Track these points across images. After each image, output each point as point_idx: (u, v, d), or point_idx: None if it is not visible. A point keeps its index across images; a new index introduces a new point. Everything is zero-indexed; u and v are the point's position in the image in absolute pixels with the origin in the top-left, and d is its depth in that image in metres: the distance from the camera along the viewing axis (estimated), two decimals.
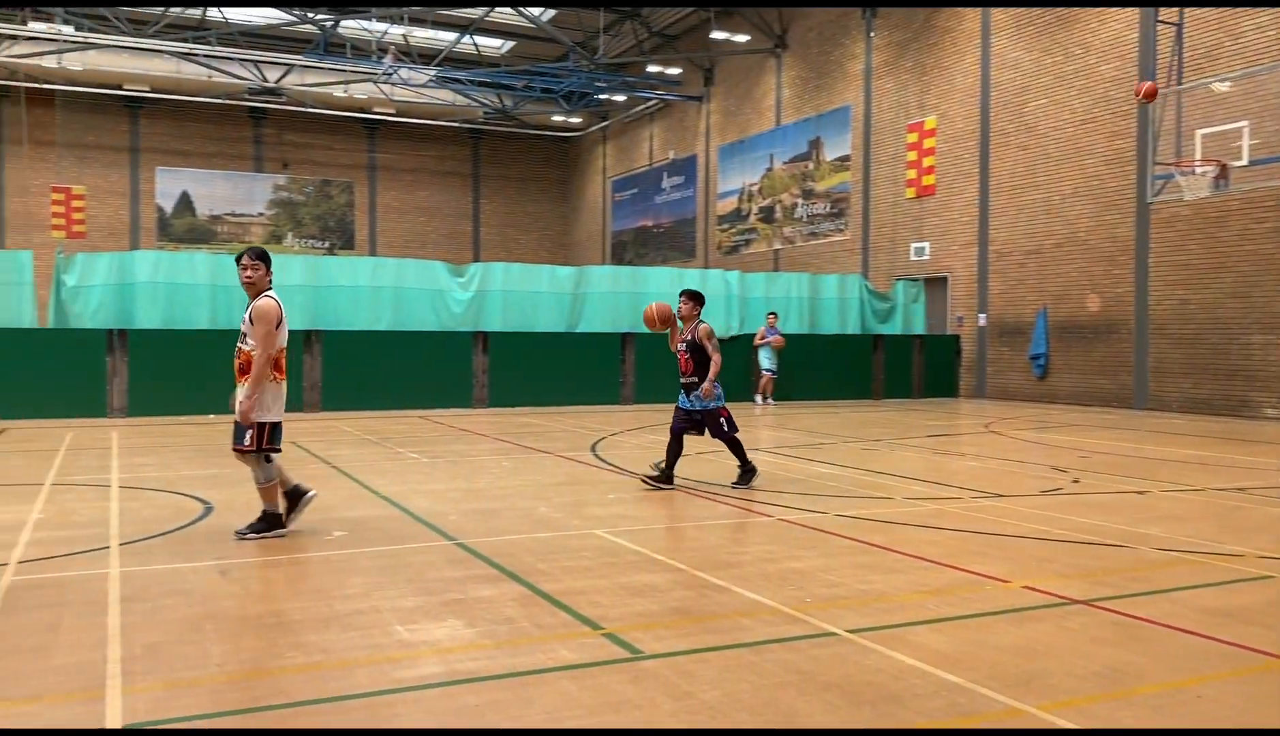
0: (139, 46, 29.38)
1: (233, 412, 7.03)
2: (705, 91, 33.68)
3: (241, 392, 7.01)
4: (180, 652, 4.48)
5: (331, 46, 31.42)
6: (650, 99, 35.46)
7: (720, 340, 21.29)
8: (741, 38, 30.15)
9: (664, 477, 9.21)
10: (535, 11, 30.22)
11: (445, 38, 32.05)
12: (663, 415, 17.32)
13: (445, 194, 41.63)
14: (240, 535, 6.92)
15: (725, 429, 9.46)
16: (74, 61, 29.98)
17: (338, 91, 33.57)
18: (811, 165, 28.72)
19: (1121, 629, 4.96)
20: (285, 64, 31.74)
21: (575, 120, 39.88)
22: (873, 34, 26.21)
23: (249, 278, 7.19)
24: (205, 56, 30.53)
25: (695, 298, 9.66)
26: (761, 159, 30.91)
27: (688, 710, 3.84)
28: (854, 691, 4.04)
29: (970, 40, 23.22)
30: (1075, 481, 10.02)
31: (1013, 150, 22.15)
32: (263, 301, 7.12)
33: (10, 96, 34.30)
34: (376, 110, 36.64)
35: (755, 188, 31.28)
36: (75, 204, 34.79)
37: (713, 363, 9.36)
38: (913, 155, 24.79)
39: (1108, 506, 8.52)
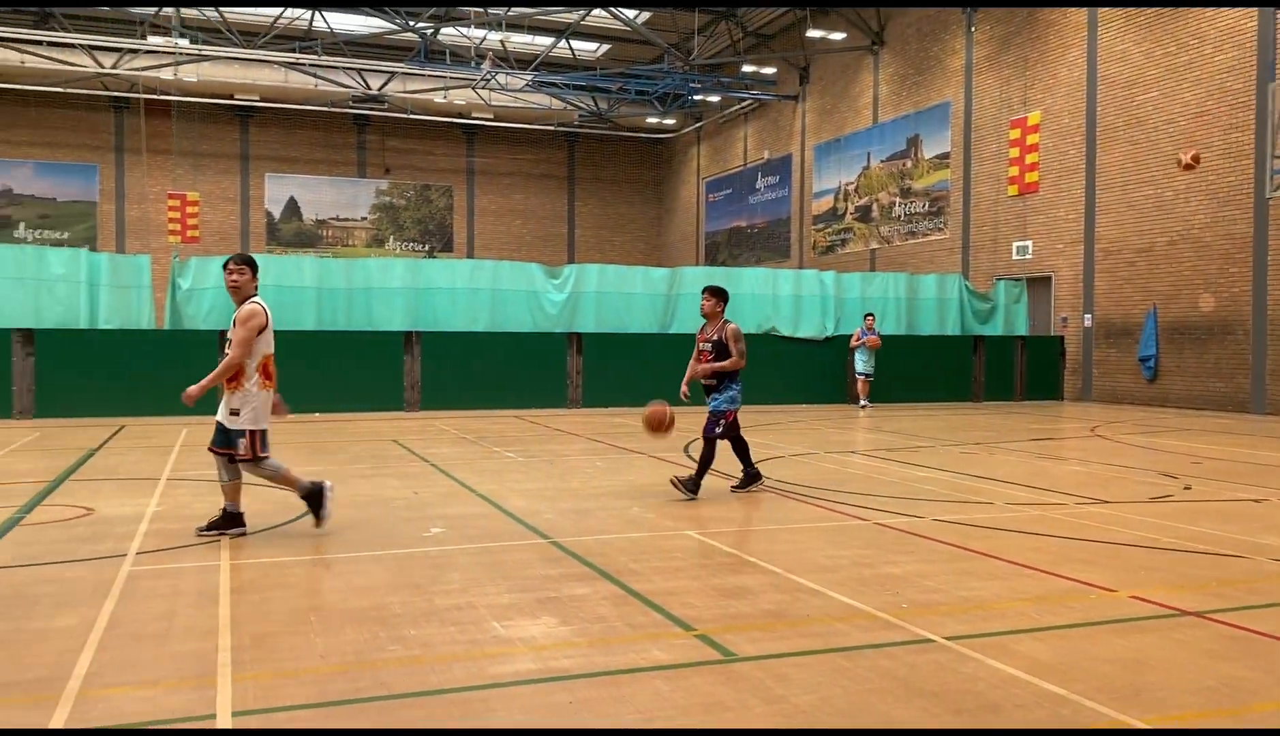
0: (249, 57, 30.48)
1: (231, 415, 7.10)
2: (800, 90, 33.39)
3: (224, 397, 7.15)
4: (286, 643, 4.64)
5: (432, 53, 32.10)
6: (745, 99, 35.32)
7: (814, 341, 21.31)
8: (838, 35, 29.81)
9: (691, 485, 8.76)
10: (630, 14, 30.37)
11: (541, 42, 32.45)
12: (757, 417, 17.24)
13: (541, 197, 42.14)
14: (200, 531, 6.98)
15: (713, 430, 8.93)
16: (189, 73, 31.25)
17: (437, 97, 34.29)
18: (910, 163, 28.23)
19: (1235, 642, 4.76)
20: (387, 71, 32.53)
21: (669, 122, 39.95)
22: (973, 28, 25.64)
23: (234, 282, 7.25)
24: (311, 66, 31.49)
25: (719, 294, 9.26)
26: (858, 157, 30.50)
27: (781, 713, 3.82)
28: (951, 699, 3.96)
29: (1076, 33, 22.52)
30: (1187, 488, 9.64)
31: (1122, 145, 21.41)
32: (247, 306, 7.20)
33: (130, 108, 35.92)
34: (475, 115, 37.30)
35: (851, 186, 30.89)
36: (190, 210, 36.24)
37: (731, 360, 8.94)
38: (1015, 152, 24.16)
39: (1222, 514, 8.17)
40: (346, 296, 18.49)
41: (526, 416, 17.27)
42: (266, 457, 7.14)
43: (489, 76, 30.74)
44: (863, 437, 14.54)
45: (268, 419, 7.19)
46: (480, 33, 31.15)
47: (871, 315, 20.30)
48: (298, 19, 30.89)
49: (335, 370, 17.54)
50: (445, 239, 40.85)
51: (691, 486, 8.76)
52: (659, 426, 9.04)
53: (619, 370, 19.34)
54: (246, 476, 7.18)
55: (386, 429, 14.98)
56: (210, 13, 29.93)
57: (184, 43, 29.54)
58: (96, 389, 16.18)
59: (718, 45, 33.74)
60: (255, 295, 7.31)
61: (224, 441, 7.08)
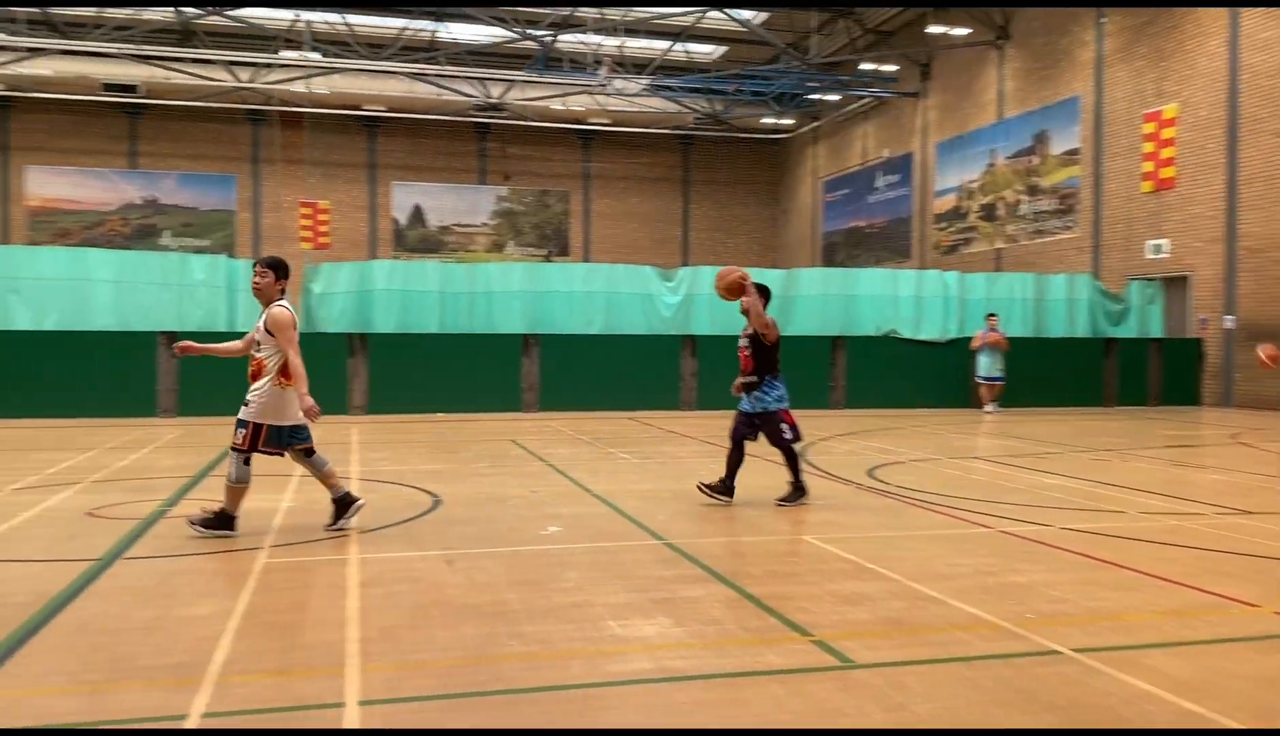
0: (376, 69, 31.52)
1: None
2: (922, 87, 32.69)
3: (252, 396, 7.25)
4: (411, 637, 4.78)
5: (551, 61, 32.62)
6: (864, 97, 34.78)
7: (935, 344, 20.79)
8: (960, 31, 29.08)
9: (723, 489, 8.48)
10: (747, 15, 30.25)
11: (658, 46, 32.61)
12: (877, 421, 16.96)
13: (656, 200, 42.33)
14: (191, 522, 7.03)
15: (786, 436, 8.49)
16: (320, 85, 32.51)
17: (556, 104, 34.81)
18: (1036, 160, 27.33)
19: None
20: (507, 80, 33.19)
21: (786, 122, 39.62)
22: (1103, 19, 24.65)
23: (257, 285, 7.34)
24: (435, 76, 32.37)
25: (758, 290, 8.76)
26: (982, 155, 29.68)
27: (900, 721, 3.76)
28: (1079, 714, 3.83)
29: (1215, 21, 21.43)
30: None
31: (1266, 137, 20.28)
32: (276, 310, 7.24)
33: (266, 120, 37.56)
34: (591, 121, 37.72)
35: (975, 185, 30.07)
36: (321, 217, 37.69)
37: (756, 325, 8.53)
38: (1149, 146, 23.13)
39: None
40: (468, 300, 18.93)
41: (640, 418, 17.38)
42: (259, 454, 7.17)
43: (606, 82, 31.06)
44: (987, 443, 14.14)
45: (290, 418, 7.23)
46: (598, 39, 31.50)
47: (994, 315, 19.72)
48: (422, 31, 31.80)
49: (456, 371, 17.99)
50: (562, 243, 41.44)
51: (798, 490, 8.53)
52: (729, 292, 8.65)
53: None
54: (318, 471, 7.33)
55: (505, 429, 15.28)
56: (340, 26, 31.07)
57: (315, 56, 30.74)
58: (233, 388, 16.92)
59: (836, 43, 33.32)
60: (281, 298, 7.40)
61: (274, 439, 7.18)
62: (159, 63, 31.03)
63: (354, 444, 13.08)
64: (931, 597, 5.52)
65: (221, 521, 7.02)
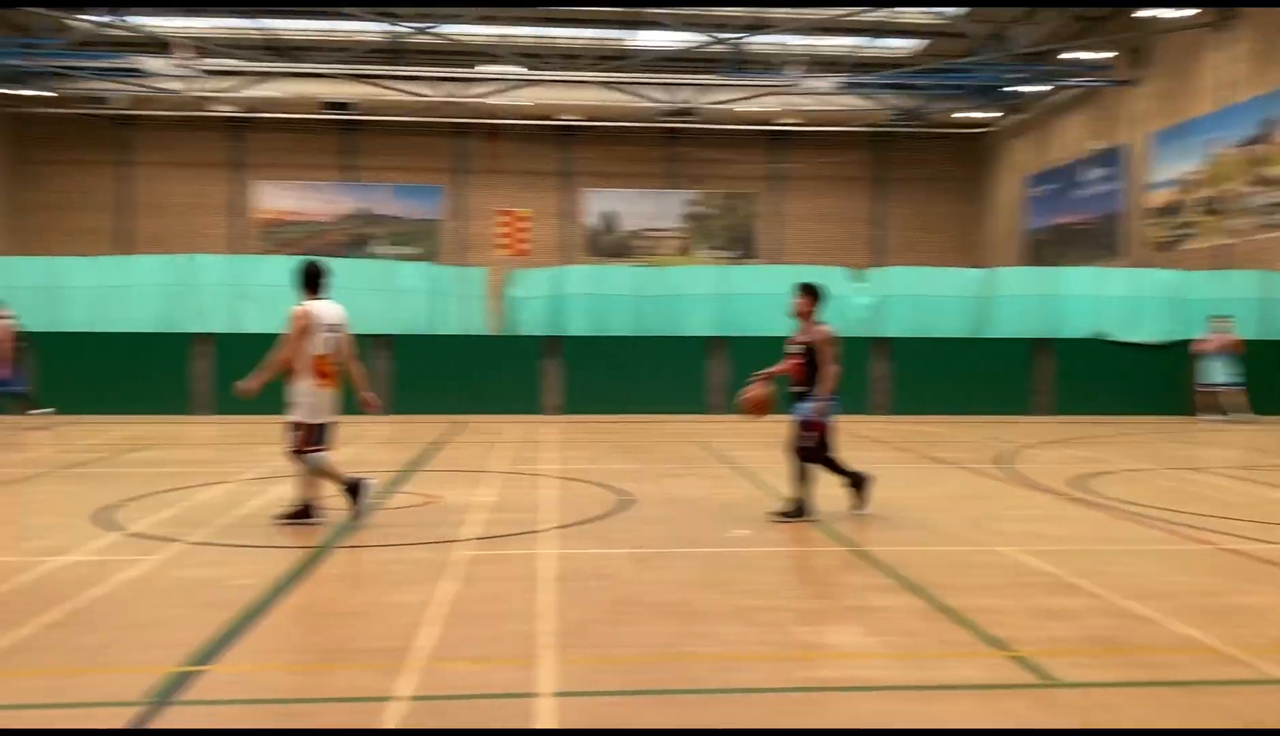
0: (572, 79, 32.43)
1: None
2: (1134, 75, 30.71)
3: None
4: (603, 631, 4.89)
5: (741, 64, 32.62)
6: (1070, 87, 32.98)
7: (1151, 347, 19.46)
8: (1178, 13, 27.10)
9: (796, 511, 7.83)
10: (950, 11, 29.28)
11: (850, 43, 32.04)
12: (1084, 428, 16.06)
13: (847, 199, 41.57)
14: (275, 519, 7.48)
15: (807, 447, 7.85)
16: (520, 97, 33.76)
17: (745, 106, 34.79)
18: (1267, 149, 25.15)
19: None
20: (698, 84, 33.42)
21: (985, 116, 38.07)
22: None
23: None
24: (628, 83, 32.99)
25: (810, 292, 8.25)
26: (1202, 144, 27.58)
27: None
28: None
29: None
30: None
31: None
32: (296, 309, 7.75)
33: (471, 133, 39.31)
34: (782, 121, 37.46)
35: (1195, 176, 27.98)
36: (519, 225, 39.12)
37: (827, 372, 7.87)
38: None
39: None
40: (658, 303, 19.19)
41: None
42: (312, 453, 7.52)
43: (797, 82, 30.78)
44: (1210, 453, 13.14)
45: (327, 415, 7.64)
46: (788, 39, 31.27)
47: (1221, 317, 18.26)
48: (615, 40, 32.48)
49: (646, 373, 18.27)
50: (751, 245, 41.35)
51: (796, 509, 7.84)
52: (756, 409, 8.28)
53: (927, 376, 18.69)
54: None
55: (693, 431, 15.39)
56: (539, 40, 32.15)
57: (515, 69, 31.92)
58: (441, 388, 17.83)
59: (1040, 32, 31.76)
60: (310, 300, 7.83)
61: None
62: (372, 81, 33.01)
63: (549, 442, 13.50)
64: (1143, 617, 5.19)
65: (303, 512, 7.53)
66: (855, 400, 18.52)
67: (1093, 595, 5.62)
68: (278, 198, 39.76)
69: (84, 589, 5.57)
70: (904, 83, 33.37)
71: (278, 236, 39.49)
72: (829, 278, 19.65)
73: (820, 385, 7.90)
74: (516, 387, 17.96)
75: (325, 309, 7.77)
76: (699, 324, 19.11)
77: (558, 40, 32.69)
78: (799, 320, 8.27)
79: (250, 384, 7.71)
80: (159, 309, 18.10)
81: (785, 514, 7.86)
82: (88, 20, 28.62)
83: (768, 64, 32.07)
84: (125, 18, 27.97)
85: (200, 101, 35.12)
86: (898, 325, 19.32)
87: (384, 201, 40.07)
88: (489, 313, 20.00)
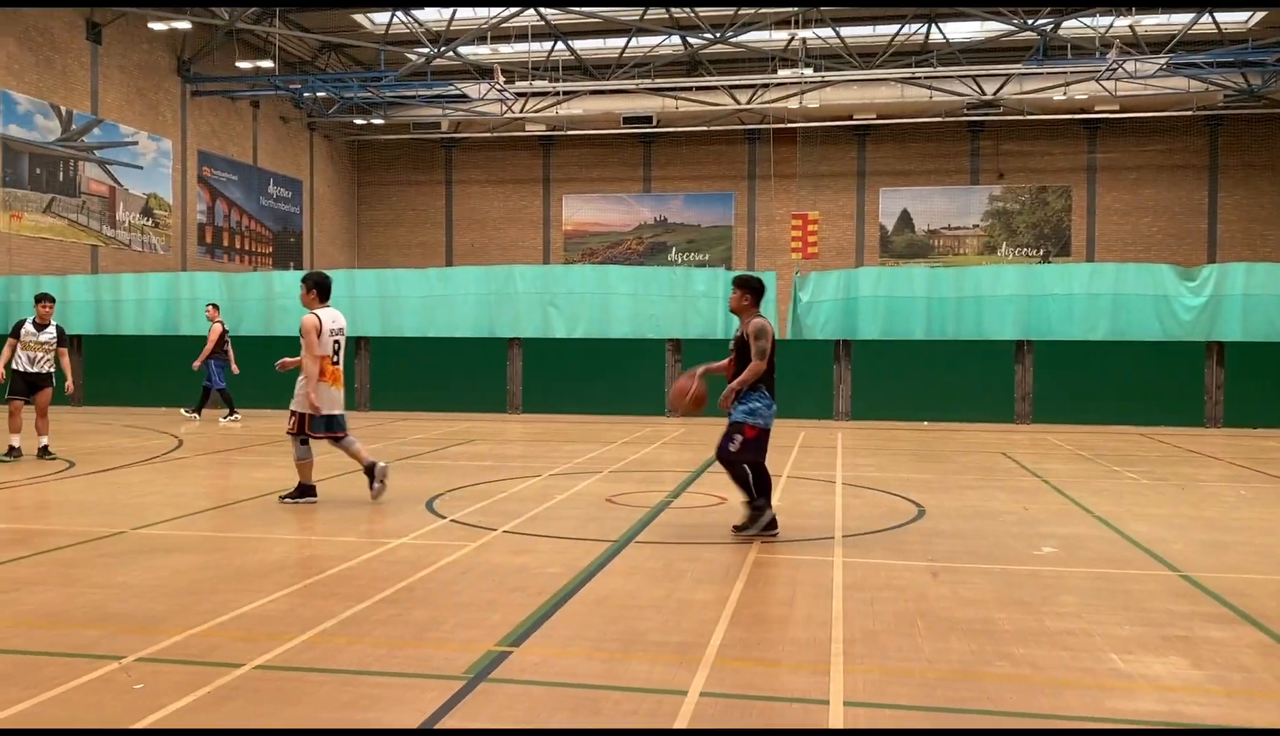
0: (867, 78, 31.84)
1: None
2: None
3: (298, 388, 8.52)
4: (894, 643, 4.78)
5: (1051, 50, 30.68)
6: None
7: None
8: None
9: (754, 520, 7.23)
10: None
11: (1178, 21, 29.26)
12: None
13: (1174, 190, 37.96)
14: (281, 500, 8.50)
15: (734, 451, 7.14)
16: (813, 100, 33.59)
17: (1056, 95, 32.68)
18: None
19: None
20: (1003, 74, 31.78)
21: None
22: None
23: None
24: (926, 78, 31.93)
25: (746, 286, 7.54)
26: None
27: None
28: None
29: None
30: None
31: None
32: (303, 319, 8.57)
33: (761, 138, 39.60)
34: (1098, 109, 34.85)
35: None
36: (810, 228, 38.90)
37: (751, 366, 7.12)
38: None
39: None
40: (955, 305, 18.44)
41: (1154, 434, 15.71)
42: (343, 433, 8.63)
43: (1116, 65, 28.51)
44: None
45: (329, 408, 8.50)
46: (1106, 20, 29.03)
47: None
48: (914, 34, 31.54)
49: (942, 379, 17.59)
50: (1062, 242, 38.74)
51: (752, 523, 7.24)
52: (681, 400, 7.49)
53: (1268, 384, 16.71)
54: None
55: (994, 440, 14.66)
56: (833, 40, 31.84)
57: (809, 72, 31.81)
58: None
59: None
60: (317, 307, 8.61)
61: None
62: (669, 93, 34.06)
63: (838, 448, 13.34)
64: None
65: (302, 492, 8.59)
66: (1187, 412, 16.92)
67: None
68: (580, 210, 41.97)
69: (414, 570, 6.16)
70: (1242, 60, 30.03)
71: (581, 247, 41.69)
72: (1155, 276, 18.11)
73: (741, 382, 7.18)
74: (805, 392, 17.88)
75: (330, 316, 8.67)
76: (1003, 327, 18.17)
77: (854, 40, 32.20)
78: (737, 315, 7.69)
79: (308, 391, 8.49)
80: (478, 316, 19.66)
81: (739, 527, 7.32)
82: (420, 53, 31.54)
83: (1081, 49, 29.93)
84: (455, 49, 30.55)
85: (514, 122, 37.76)
86: (1233, 328, 17.43)
87: (677, 210, 41.24)
88: (778, 317, 20.04)
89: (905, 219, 39.67)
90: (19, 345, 11.44)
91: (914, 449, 13.50)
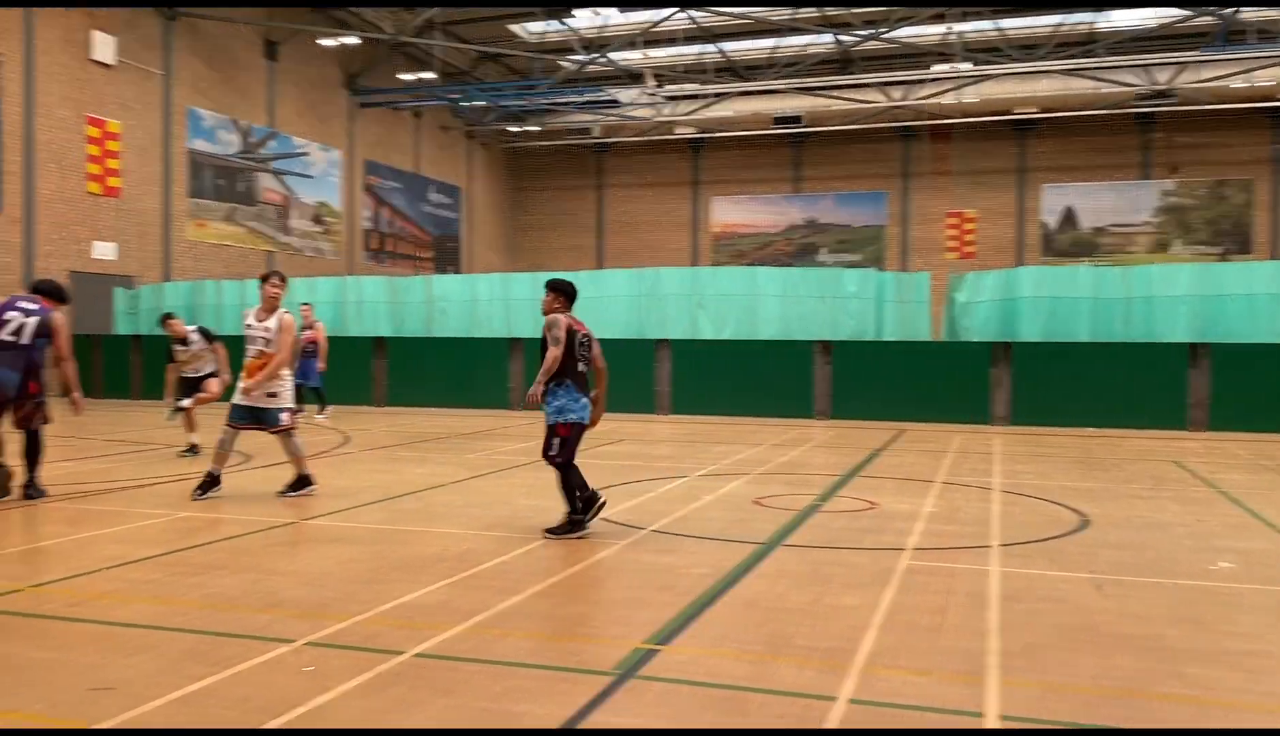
0: (1028, 71, 30.63)
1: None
2: None
3: (250, 383, 8.70)
4: (1055, 658, 4.60)
5: (1232, 35, 28.83)
6: None
7: None
8: None
9: (567, 524, 7.21)
10: None
11: None
12: None
13: None
14: (280, 494, 8.82)
15: (554, 454, 7.18)
16: (970, 95, 32.54)
17: (1236, 82, 30.66)
18: None
19: None
20: (1177, 63, 30.06)
21: None
22: None
23: (277, 295, 8.82)
24: (1094, 69, 30.51)
25: (557, 288, 7.44)
26: None
27: None
28: None
29: None
30: None
31: None
32: (287, 316, 8.82)
33: (915, 135, 38.65)
34: None
35: None
36: (967, 227, 37.76)
37: (548, 354, 7.13)
38: None
39: None
40: (1124, 306, 17.54)
41: None
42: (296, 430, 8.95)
43: None
44: None
45: (238, 399, 8.74)
46: None
47: None
48: (1078, 24, 30.21)
49: (1109, 383, 16.74)
50: (1242, 239, 36.34)
51: (569, 526, 7.21)
52: None
53: None
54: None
55: (1164, 448, 13.88)
56: (991, 32, 30.82)
57: (966, 66, 30.85)
58: (881, 395, 17.73)
59: None
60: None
61: (273, 419, 8.78)
62: (820, 92, 33.64)
63: (995, 454, 12.90)
64: None
65: (301, 483, 8.92)
66: None
67: None
68: (729, 211, 41.93)
69: (565, 566, 6.30)
70: None
71: (730, 248, 41.64)
72: None
73: (558, 378, 7.19)
74: (961, 396, 17.35)
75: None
76: (1175, 329, 17.18)
77: (1014, 31, 31.08)
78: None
79: (259, 384, 8.74)
80: (628, 317, 19.89)
81: (551, 529, 7.25)
82: (573, 60, 32.17)
83: (1267, 32, 28.02)
84: (607, 54, 31.04)
85: (664, 125, 38.04)
86: None
87: (828, 210, 40.71)
88: (932, 318, 19.53)
89: (1069, 216, 37.99)
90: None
91: (1077, 456, 12.92)
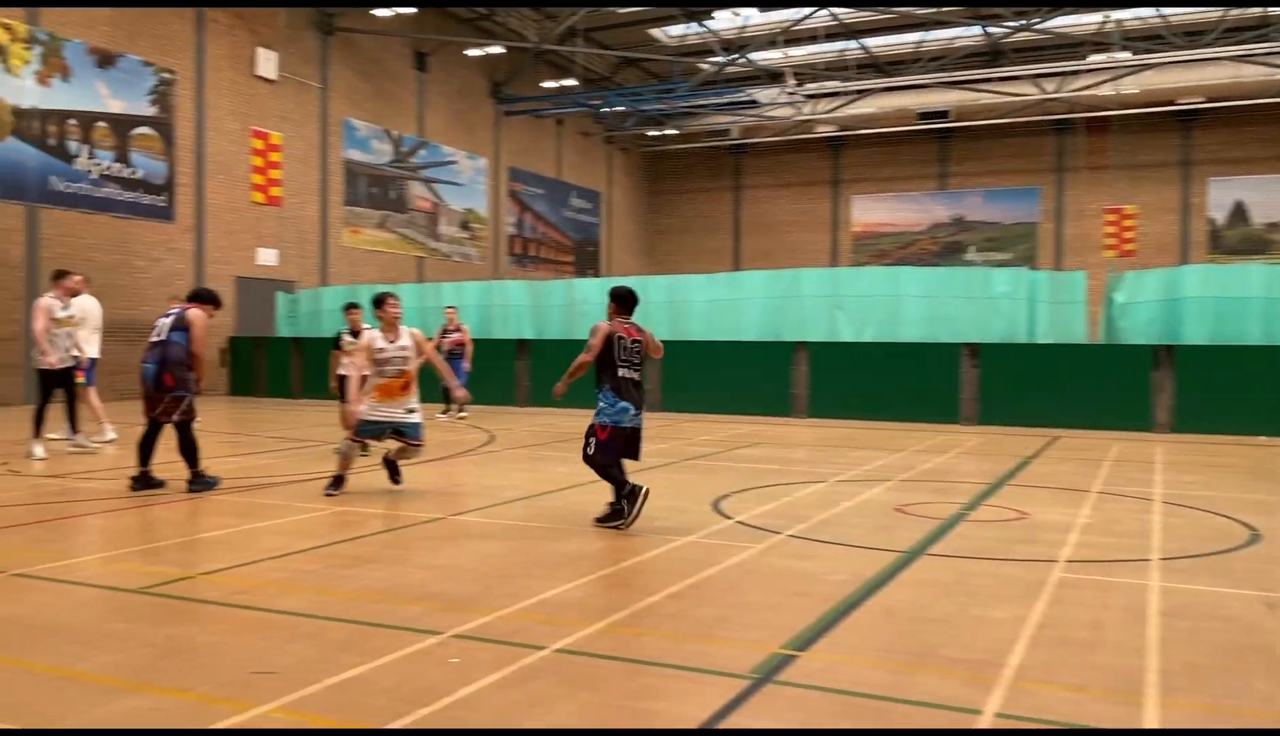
0: (1195, 58, 28.98)
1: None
2: None
3: (415, 402, 9.15)
4: (1221, 679, 4.34)
5: None
6: None
7: None
8: None
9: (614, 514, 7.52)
10: None
11: None
12: None
13: None
14: (327, 493, 8.96)
15: (590, 454, 7.58)
16: (1129, 85, 31.00)
17: None
18: None
19: None
20: None
21: None
22: None
23: (398, 314, 9.07)
24: (1267, 55, 28.62)
25: (610, 296, 7.81)
26: None
27: None
28: None
29: None
30: None
31: None
32: (417, 331, 9.15)
33: (1070, 128, 37.07)
34: None
35: None
36: (1126, 223, 35.95)
37: (579, 357, 7.70)
38: None
39: None
40: None
41: None
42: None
43: None
44: None
45: (372, 416, 8.98)
46: None
47: None
48: (1250, 7, 28.39)
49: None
50: None
51: (616, 514, 7.48)
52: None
53: None
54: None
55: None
56: (1153, 20, 29.30)
57: (1125, 55, 29.42)
58: (1033, 399, 17.05)
59: None
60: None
61: (414, 433, 9.16)
62: (967, 86, 32.66)
63: (1158, 463, 12.24)
64: None
65: (337, 482, 9.05)
66: None
67: None
68: (870, 210, 41.15)
69: (701, 568, 6.30)
70: None
71: (871, 248, 40.87)
72: None
73: (598, 382, 7.61)
74: (1119, 401, 16.52)
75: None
76: None
77: (1178, 18, 29.46)
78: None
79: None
80: (765, 320, 19.75)
81: (601, 518, 7.59)
82: (712, 62, 32.18)
83: None
84: (746, 55, 30.93)
85: (803, 124, 37.64)
86: None
87: (976, 207, 39.46)
88: (1089, 320, 18.66)
89: (1239, 211, 35.74)
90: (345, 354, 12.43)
91: (1248, 466, 12.13)
